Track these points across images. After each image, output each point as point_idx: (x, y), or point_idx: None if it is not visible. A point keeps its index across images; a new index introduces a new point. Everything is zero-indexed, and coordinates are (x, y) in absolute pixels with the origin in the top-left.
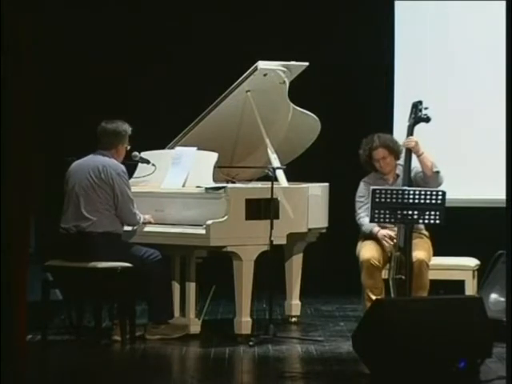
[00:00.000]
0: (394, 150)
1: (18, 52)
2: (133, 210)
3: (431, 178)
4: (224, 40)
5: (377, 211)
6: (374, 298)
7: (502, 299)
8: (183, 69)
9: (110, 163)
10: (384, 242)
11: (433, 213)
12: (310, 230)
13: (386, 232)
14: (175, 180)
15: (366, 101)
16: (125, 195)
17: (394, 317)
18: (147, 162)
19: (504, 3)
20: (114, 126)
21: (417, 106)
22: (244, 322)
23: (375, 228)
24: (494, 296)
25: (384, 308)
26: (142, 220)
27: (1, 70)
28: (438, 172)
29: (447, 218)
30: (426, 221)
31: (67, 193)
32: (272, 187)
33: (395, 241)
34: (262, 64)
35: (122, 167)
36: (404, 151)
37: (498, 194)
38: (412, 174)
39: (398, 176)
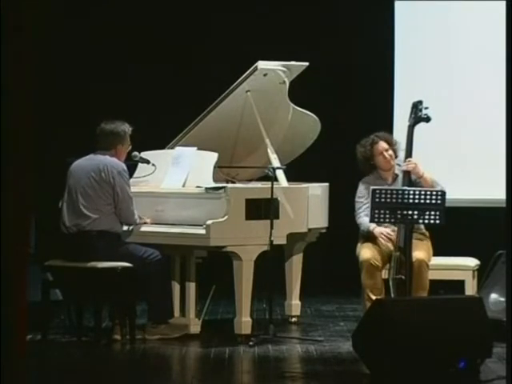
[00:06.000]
0: (393, 143)
1: (17, 51)
2: (132, 208)
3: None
4: (224, 40)
5: (377, 211)
6: (374, 297)
7: (502, 299)
8: (183, 69)
9: (111, 162)
10: (380, 240)
11: (433, 213)
12: (309, 230)
13: (384, 230)
14: (175, 180)
15: (366, 101)
16: (125, 193)
17: (394, 317)
18: (147, 162)
19: (504, 3)
20: (113, 127)
21: (417, 106)
22: (244, 322)
23: (372, 225)
24: (494, 296)
25: (384, 308)
26: (138, 220)
27: (1, 70)
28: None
29: (447, 217)
30: (426, 221)
31: (67, 192)
32: (272, 187)
33: (393, 238)
34: (262, 64)
35: (123, 165)
36: (402, 174)
37: (498, 193)
38: (412, 178)
39: (396, 176)
